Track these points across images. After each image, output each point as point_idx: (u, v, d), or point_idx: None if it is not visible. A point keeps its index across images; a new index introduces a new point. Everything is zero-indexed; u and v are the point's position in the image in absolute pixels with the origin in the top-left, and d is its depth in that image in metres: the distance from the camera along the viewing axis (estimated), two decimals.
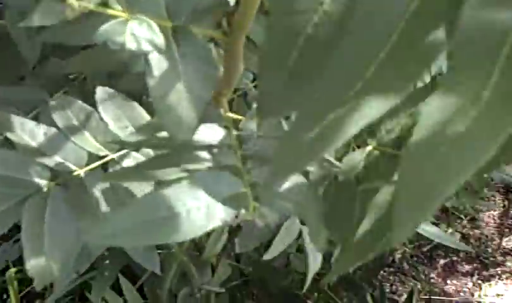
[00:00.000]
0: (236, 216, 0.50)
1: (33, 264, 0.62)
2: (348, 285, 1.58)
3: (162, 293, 1.32)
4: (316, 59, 0.42)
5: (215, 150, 0.58)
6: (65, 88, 0.99)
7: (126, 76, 0.78)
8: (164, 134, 0.65)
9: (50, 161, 0.69)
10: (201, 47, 0.54)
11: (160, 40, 0.50)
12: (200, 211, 0.51)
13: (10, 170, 0.67)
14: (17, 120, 0.71)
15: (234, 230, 1.35)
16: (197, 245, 1.31)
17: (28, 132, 0.70)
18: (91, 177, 0.69)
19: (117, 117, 0.74)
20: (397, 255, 2.36)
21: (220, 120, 0.63)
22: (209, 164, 0.56)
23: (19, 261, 1.58)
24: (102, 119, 0.74)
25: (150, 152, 0.73)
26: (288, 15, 0.37)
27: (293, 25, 0.38)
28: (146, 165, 0.57)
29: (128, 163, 0.72)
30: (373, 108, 0.31)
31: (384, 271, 2.28)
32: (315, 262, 1.08)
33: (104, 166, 0.71)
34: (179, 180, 0.52)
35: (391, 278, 2.29)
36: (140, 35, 0.50)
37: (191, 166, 0.55)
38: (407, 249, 2.35)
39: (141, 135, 0.66)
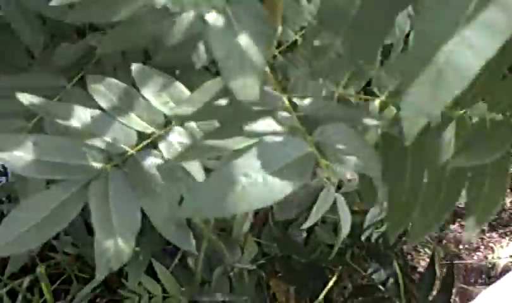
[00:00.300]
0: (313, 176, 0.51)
1: (107, 245, 0.63)
2: (373, 255, 1.61)
3: (195, 274, 1.34)
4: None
5: (276, 114, 0.58)
6: (82, 72, 1.00)
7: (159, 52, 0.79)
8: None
9: (102, 144, 0.70)
10: (253, 5, 0.54)
11: (222, 3, 0.50)
12: (275, 176, 0.52)
13: (67, 157, 0.68)
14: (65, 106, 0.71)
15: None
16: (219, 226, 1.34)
17: (76, 117, 0.71)
18: (143, 155, 0.70)
19: (157, 93, 0.75)
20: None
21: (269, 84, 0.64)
22: (273, 129, 0.57)
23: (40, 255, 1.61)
24: (143, 97, 0.74)
25: (193, 125, 0.74)
26: None
27: None
28: (214, 135, 0.58)
29: (174, 138, 0.73)
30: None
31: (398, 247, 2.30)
32: (345, 226, 1.10)
33: (153, 143, 0.72)
34: (248, 147, 0.53)
35: (405, 247, 2.32)
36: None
37: (257, 132, 0.56)
38: None
39: (190, 107, 0.67)
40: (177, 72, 0.79)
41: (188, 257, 1.40)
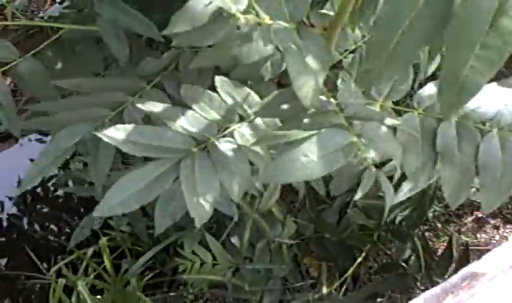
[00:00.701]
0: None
1: (193, 205, 0.86)
2: (397, 236, 1.79)
3: (241, 246, 1.55)
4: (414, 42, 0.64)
5: (328, 114, 0.80)
6: (158, 78, 1.23)
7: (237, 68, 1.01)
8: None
9: (191, 133, 0.92)
10: (317, 40, 0.76)
11: (297, 39, 0.73)
12: (327, 156, 0.74)
13: (164, 142, 0.91)
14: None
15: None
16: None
17: (171, 113, 0.93)
18: (221, 141, 0.93)
19: (233, 97, 0.97)
20: (429, 214, 2.55)
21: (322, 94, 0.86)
22: (327, 124, 0.79)
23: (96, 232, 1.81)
24: (222, 100, 0.96)
25: (259, 121, 0.96)
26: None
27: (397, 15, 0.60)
28: (279, 128, 0.80)
29: (245, 130, 0.94)
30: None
31: (419, 230, 2.48)
32: (389, 199, 1.31)
33: (230, 133, 0.94)
34: (309, 137, 0.75)
35: (426, 234, 2.49)
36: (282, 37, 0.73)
37: (314, 126, 0.78)
38: (437, 208, 2.54)
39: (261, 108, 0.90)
40: (249, 82, 1.01)
41: (235, 233, 1.62)
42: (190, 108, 0.95)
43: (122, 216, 1.82)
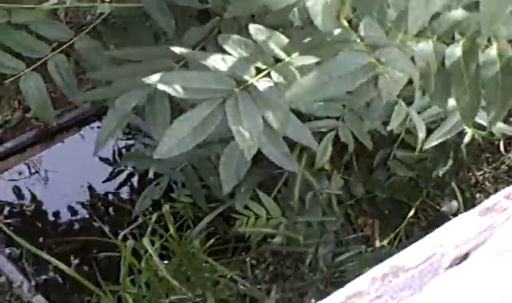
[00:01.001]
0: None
1: (241, 139, 0.99)
2: (444, 190, 1.86)
3: (293, 201, 1.66)
4: None
5: (350, 42, 0.91)
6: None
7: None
8: None
9: (233, 75, 1.06)
10: None
11: None
12: (347, 75, 0.86)
13: (210, 84, 1.04)
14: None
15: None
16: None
17: (214, 60, 1.06)
18: (260, 82, 1.05)
19: (266, 42, 1.09)
20: (479, 177, 2.60)
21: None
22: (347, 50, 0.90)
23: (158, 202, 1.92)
24: (257, 45, 1.08)
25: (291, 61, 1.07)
26: None
27: None
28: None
29: (279, 69, 1.06)
30: None
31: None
32: (422, 132, 1.43)
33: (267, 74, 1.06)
34: (331, 59, 0.87)
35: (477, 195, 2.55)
36: None
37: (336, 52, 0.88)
38: (486, 170, 2.59)
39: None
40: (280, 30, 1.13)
41: (285, 187, 1.72)
42: (229, 54, 1.07)
43: (182, 187, 1.94)
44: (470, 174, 2.26)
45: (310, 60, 0.88)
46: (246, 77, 1.05)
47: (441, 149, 1.76)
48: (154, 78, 1.01)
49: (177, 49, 1.09)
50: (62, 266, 1.71)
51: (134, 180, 2.27)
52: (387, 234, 1.87)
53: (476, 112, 0.97)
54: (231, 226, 1.84)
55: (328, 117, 1.57)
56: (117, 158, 2.31)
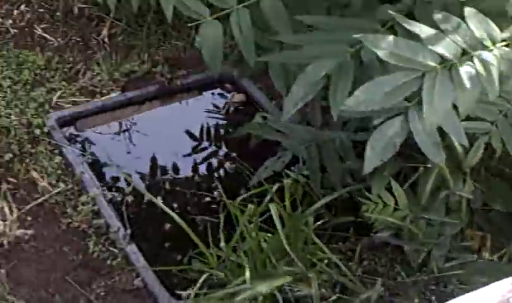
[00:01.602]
0: None
1: (428, 113, 1.04)
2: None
3: (422, 195, 1.67)
4: None
5: None
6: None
7: None
8: None
9: (440, 53, 1.08)
10: None
11: None
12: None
13: (416, 55, 1.08)
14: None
15: None
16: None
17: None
18: (464, 65, 1.08)
19: (478, 28, 1.12)
20: None
21: None
22: None
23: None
24: (469, 28, 1.11)
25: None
26: None
27: None
28: None
29: (487, 56, 1.09)
30: None
31: None
32: None
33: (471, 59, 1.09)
34: None
35: None
36: None
37: None
38: None
39: None
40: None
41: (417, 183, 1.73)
42: (442, 32, 1.10)
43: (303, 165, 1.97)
44: None
45: None
46: (451, 56, 1.07)
47: None
48: (368, 37, 1.07)
49: (390, 12, 1.20)
50: (174, 216, 1.72)
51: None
52: (497, 248, 1.87)
53: None
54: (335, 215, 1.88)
55: (483, 120, 1.55)
56: None
